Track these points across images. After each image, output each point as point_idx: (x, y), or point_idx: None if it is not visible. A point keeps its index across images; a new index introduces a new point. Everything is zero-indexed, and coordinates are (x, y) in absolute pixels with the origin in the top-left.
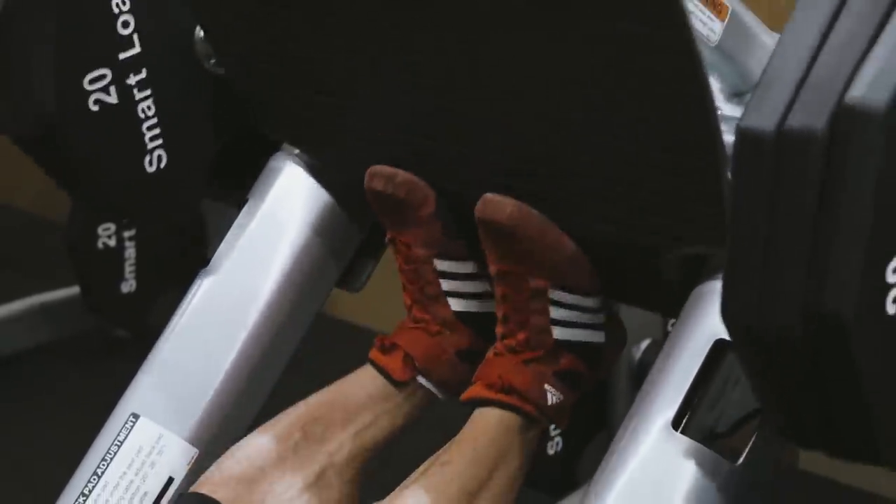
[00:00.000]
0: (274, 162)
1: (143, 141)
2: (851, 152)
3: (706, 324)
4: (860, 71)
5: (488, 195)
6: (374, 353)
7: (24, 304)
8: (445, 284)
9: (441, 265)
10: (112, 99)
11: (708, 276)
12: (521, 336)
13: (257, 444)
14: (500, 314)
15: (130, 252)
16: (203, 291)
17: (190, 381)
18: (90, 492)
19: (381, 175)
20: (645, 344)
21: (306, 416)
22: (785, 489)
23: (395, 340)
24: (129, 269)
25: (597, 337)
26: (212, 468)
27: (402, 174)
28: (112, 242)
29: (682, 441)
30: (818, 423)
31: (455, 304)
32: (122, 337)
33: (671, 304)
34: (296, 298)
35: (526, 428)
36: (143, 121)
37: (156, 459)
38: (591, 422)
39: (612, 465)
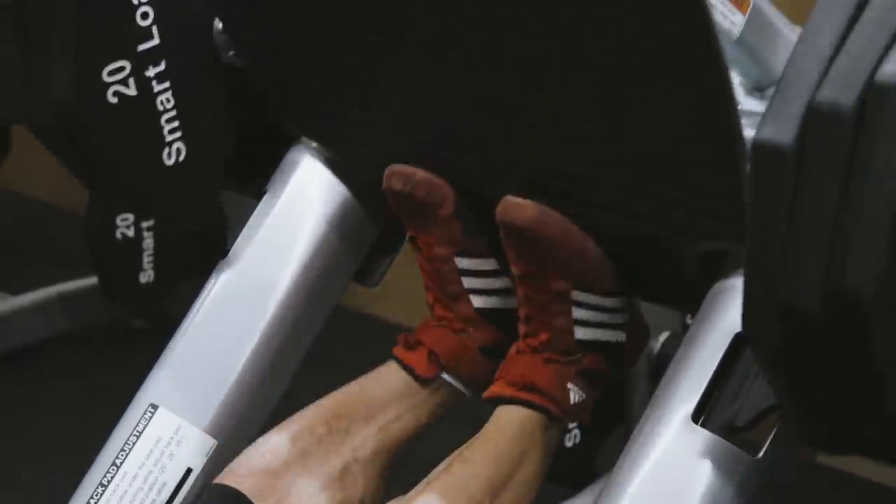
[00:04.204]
0: (292, 155)
1: (162, 134)
2: (882, 127)
3: (726, 317)
4: (887, 56)
5: (509, 197)
6: (398, 350)
7: (42, 294)
8: (467, 282)
9: (462, 263)
10: (131, 91)
11: (726, 273)
12: (543, 336)
13: (282, 438)
14: (522, 314)
15: (149, 242)
16: (221, 283)
17: (208, 372)
18: (109, 482)
19: (400, 174)
20: (664, 337)
21: (330, 411)
22: (804, 483)
23: (420, 338)
24: (147, 259)
25: (619, 336)
26: (237, 459)
27: (420, 173)
28: (130, 233)
29: (701, 434)
30: (836, 421)
31: (477, 301)
32: (139, 327)
33: (690, 301)
34: (313, 290)
35: (547, 426)
36: (161, 113)
37: (174, 450)
38: (609, 415)
39: (632, 458)
